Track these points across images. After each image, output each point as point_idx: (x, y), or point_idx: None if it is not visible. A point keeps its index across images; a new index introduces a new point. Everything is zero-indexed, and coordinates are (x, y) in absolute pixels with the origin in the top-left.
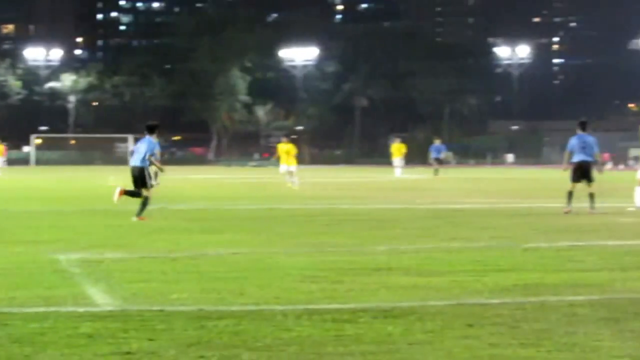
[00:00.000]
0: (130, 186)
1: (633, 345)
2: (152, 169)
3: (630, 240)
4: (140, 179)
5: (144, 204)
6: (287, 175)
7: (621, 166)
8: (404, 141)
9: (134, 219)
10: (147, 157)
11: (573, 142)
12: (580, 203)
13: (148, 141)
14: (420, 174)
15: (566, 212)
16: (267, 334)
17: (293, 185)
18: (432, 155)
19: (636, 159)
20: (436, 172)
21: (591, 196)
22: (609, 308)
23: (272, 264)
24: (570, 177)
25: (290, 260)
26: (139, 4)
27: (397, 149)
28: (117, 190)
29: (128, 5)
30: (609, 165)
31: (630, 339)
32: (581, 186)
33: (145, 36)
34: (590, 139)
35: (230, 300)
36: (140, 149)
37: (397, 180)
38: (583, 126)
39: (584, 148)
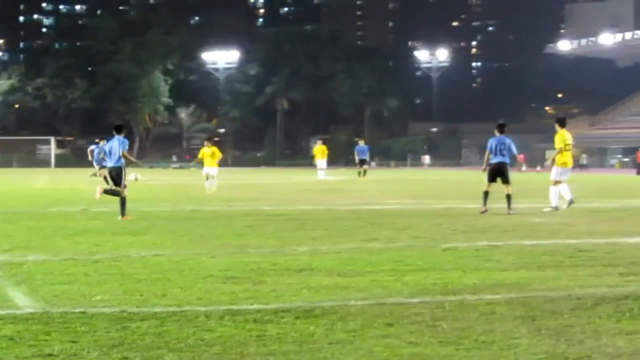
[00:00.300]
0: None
1: (549, 342)
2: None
3: (546, 240)
4: (119, 178)
5: (124, 202)
6: (208, 179)
7: (538, 168)
8: (325, 143)
9: (120, 218)
10: (121, 154)
11: (492, 143)
12: (498, 204)
13: (118, 140)
14: (342, 176)
15: (482, 212)
16: (190, 335)
17: (210, 190)
18: (358, 156)
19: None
20: (361, 173)
21: (508, 197)
22: (526, 306)
23: (194, 265)
24: (486, 177)
25: (213, 262)
26: (61, 6)
27: (319, 150)
28: (98, 189)
29: (50, 8)
30: (524, 167)
31: (547, 337)
32: (498, 187)
33: (68, 38)
34: (508, 140)
35: (152, 302)
36: (113, 149)
37: (319, 182)
38: (501, 128)
39: (502, 150)
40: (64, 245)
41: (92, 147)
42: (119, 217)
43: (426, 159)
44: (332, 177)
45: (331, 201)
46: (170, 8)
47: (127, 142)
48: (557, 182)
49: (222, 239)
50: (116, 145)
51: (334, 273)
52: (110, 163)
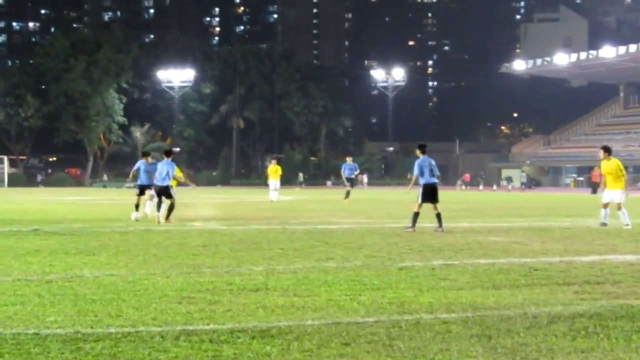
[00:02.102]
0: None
1: None
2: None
3: (501, 259)
4: (166, 193)
5: (172, 208)
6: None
7: (494, 187)
8: (280, 162)
9: (162, 220)
10: (170, 176)
11: (420, 164)
12: (449, 223)
13: (167, 163)
14: (297, 195)
15: (409, 230)
16: (145, 356)
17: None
18: (345, 174)
19: (509, 179)
20: (348, 193)
21: (439, 216)
22: (482, 325)
23: (148, 285)
24: (419, 198)
25: (167, 282)
26: (13, 24)
27: (273, 170)
28: (159, 215)
29: (2, 25)
30: (464, 187)
31: (503, 355)
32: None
33: (20, 56)
34: (433, 161)
35: (107, 322)
36: (162, 171)
37: (273, 202)
38: (423, 149)
39: (431, 170)
40: (16, 265)
41: (139, 164)
42: (162, 220)
43: (364, 178)
44: (286, 197)
45: (286, 220)
46: (123, 26)
47: (174, 165)
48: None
49: (177, 259)
50: (165, 168)
51: (290, 293)
52: (158, 182)
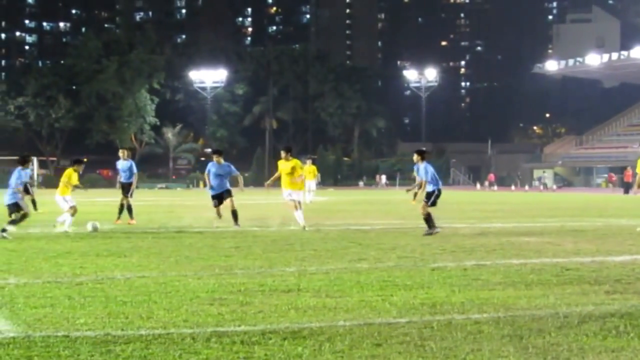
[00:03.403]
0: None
1: None
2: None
3: (533, 259)
4: (228, 195)
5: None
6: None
7: (526, 187)
8: (314, 163)
9: (236, 226)
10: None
11: (429, 170)
12: (482, 223)
13: (227, 166)
14: (331, 196)
15: (436, 232)
16: (176, 358)
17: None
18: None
19: (540, 179)
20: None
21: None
22: (514, 325)
23: (180, 287)
24: (431, 202)
25: (199, 283)
26: (44, 24)
27: (309, 171)
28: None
29: (33, 25)
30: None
31: (534, 355)
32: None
33: (51, 56)
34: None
35: (137, 324)
36: (221, 173)
37: (308, 203)
38: (423, 155)
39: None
40: (46, 267)
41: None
42: (237, 226)
43: (382, 179)
44: (320, 198)
45: (319, 222)
46: (156, 26)
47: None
48: None
49: (209, 260)
50: (224, 170)
51: (322, 294)
52: (220, 189)
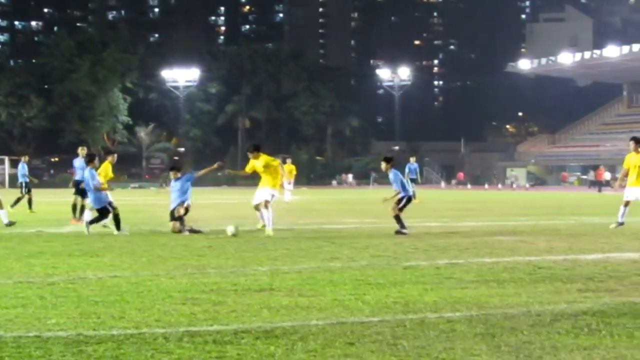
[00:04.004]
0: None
1: (509, 359)
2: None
3: (506, 257)
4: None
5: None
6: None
7: (499, 186)
8: (284, 162)
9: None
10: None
11: (401, 175)
12: (456, 222)
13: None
14: (304, 195)
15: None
16: (148, 358)
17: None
18: (411, 176)
19: (515, 178)
20: (414, 194)
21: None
22: (486, 324)
23: (152, 286)
24: (400, 207)
25: (172, 282)
26: (16, 23)
27: (288, 170)
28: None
29: (5, 24)
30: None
31: (506, 353)
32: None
33: (24, 56)
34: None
35: (110, 324)
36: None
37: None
38: (390, 162)
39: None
40: (18, 267)
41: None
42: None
43: (349, 177)
44: (296, 197)
45: (292, 221)
46: (129, 25)
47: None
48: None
49: (182, 260)
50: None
51: (295, 293)
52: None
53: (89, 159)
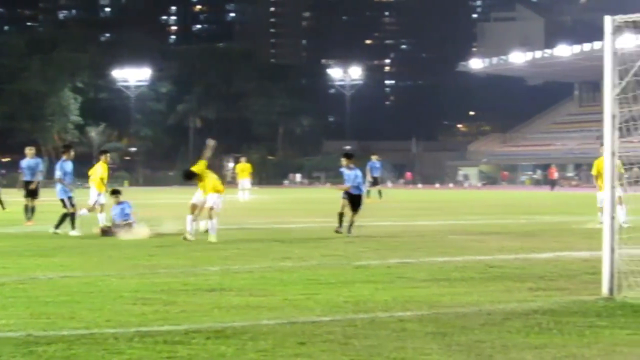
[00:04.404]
0: None
1: (460, 357)
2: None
3: (457, 256)
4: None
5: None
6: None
7: (451, 185)
8: (239, 161)
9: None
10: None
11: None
12: (408, 221)
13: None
14: (255, 194)
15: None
16: (99, 358)
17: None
18: (371, 174)
19: (465, 177)
20: (379, 193)
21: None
22: (437, 323)
23: (103, 286)
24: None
25: (123, 283)
26: None
27: (244, 169)
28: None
29: None
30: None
31: (457, 352)
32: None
33: None
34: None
35: (60, 325)
36: (354, 176)
37: (238, 202)
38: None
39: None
40: None
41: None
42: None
43: (297, 177)
44: (254, 196)
45: (243, 220)
46: (79, 24)
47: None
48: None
49: (132, 260)
50: (355, 173)
51: (246, 292)
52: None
53: (64, 150)
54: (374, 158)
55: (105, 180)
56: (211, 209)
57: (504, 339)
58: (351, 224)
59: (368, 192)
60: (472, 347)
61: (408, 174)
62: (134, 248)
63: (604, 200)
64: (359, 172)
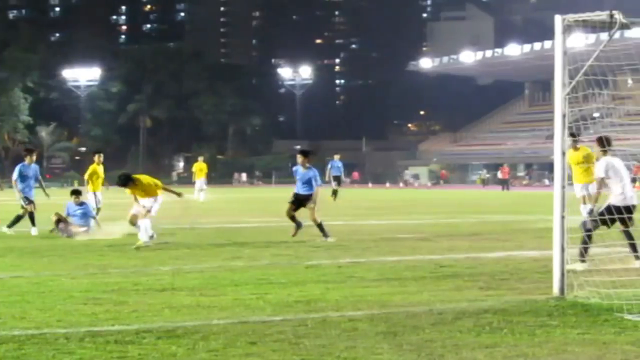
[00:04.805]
0: None
1: (411, 357)
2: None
3: (408, 256)
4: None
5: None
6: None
7: (401, 184)
8: (191, 160)
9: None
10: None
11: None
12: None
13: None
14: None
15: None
16: (50, 358)
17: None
18: (332, 172)
19: (416, 177)
20: (335, 193)
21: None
22: (388, 322)
23: (54, 286)
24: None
25: (73, 283)
26: None
27: (200, 168)
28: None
29: None
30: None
31: (408, 352)
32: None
33: None
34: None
35: (11, 325)
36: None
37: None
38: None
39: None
40: None
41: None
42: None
43: (243, 176)
44: (192, 196)
45: (195, 220)
46: (30, 24)
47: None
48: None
49: (83, 260)
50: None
51: (197, 292)
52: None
53: (25, 153)
54: (336, 157)
55: (96, 179)
56: (147, 211)
57: (455, 338)
58: (321, 228)
59: (335, 192)
60: (423, 346)
61: (355, 174)
62: (84, 247)
63: (580, 193)
64: (314, 173)
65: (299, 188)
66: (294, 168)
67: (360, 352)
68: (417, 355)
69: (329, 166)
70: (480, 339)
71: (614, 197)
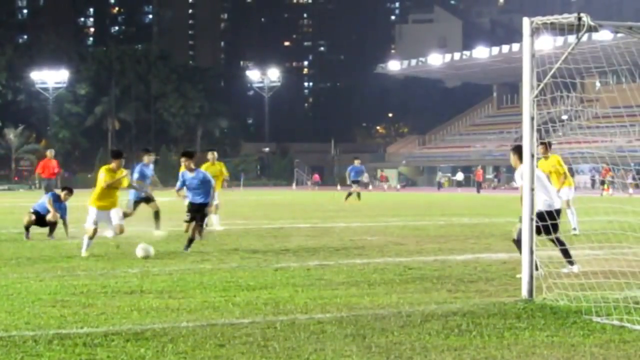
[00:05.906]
0: None
1: (379, 359)
2: None
3: (377, 258)
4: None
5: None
6: None
7: (370, 187)
8: (156, 163)
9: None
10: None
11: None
12: (326, 223)
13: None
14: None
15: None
16: None
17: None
18: (351, 177)
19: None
20: (358, 196)
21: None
22: (357, 325)
23: (22, 289)
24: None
25: (41, 285)
26: None
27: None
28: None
29: None
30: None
31: (377, 354)
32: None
33: None
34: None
35: None
36: (197, 181)
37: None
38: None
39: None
40: None
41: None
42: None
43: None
44: (163, 199)
45: (163, 222)
46: None
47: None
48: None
49: (51, 262)
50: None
51: (165, 295)
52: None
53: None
54: (356, 162)
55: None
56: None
57: (423, 340)
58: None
59: (358, 194)
60: (391, 349)
61: (316, 176)
62: (52, 250)
63: (567, 195)
64: (205, 176)
65: (191, 196)
66: (181, 173)
67: (329, 354)
68: (386, 357)
69: (349, 171)
70: (448, 341)
71: (541, 203)
